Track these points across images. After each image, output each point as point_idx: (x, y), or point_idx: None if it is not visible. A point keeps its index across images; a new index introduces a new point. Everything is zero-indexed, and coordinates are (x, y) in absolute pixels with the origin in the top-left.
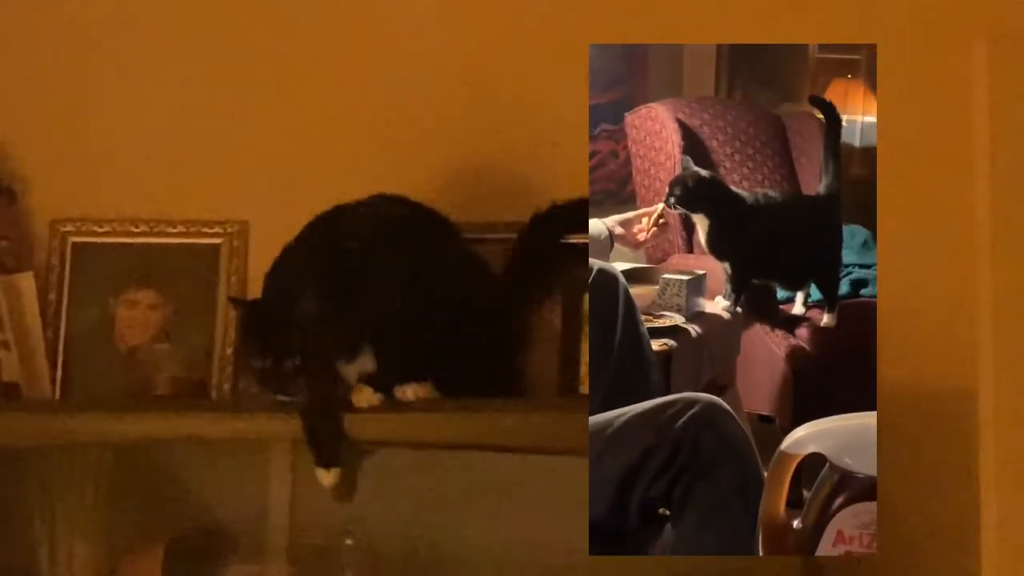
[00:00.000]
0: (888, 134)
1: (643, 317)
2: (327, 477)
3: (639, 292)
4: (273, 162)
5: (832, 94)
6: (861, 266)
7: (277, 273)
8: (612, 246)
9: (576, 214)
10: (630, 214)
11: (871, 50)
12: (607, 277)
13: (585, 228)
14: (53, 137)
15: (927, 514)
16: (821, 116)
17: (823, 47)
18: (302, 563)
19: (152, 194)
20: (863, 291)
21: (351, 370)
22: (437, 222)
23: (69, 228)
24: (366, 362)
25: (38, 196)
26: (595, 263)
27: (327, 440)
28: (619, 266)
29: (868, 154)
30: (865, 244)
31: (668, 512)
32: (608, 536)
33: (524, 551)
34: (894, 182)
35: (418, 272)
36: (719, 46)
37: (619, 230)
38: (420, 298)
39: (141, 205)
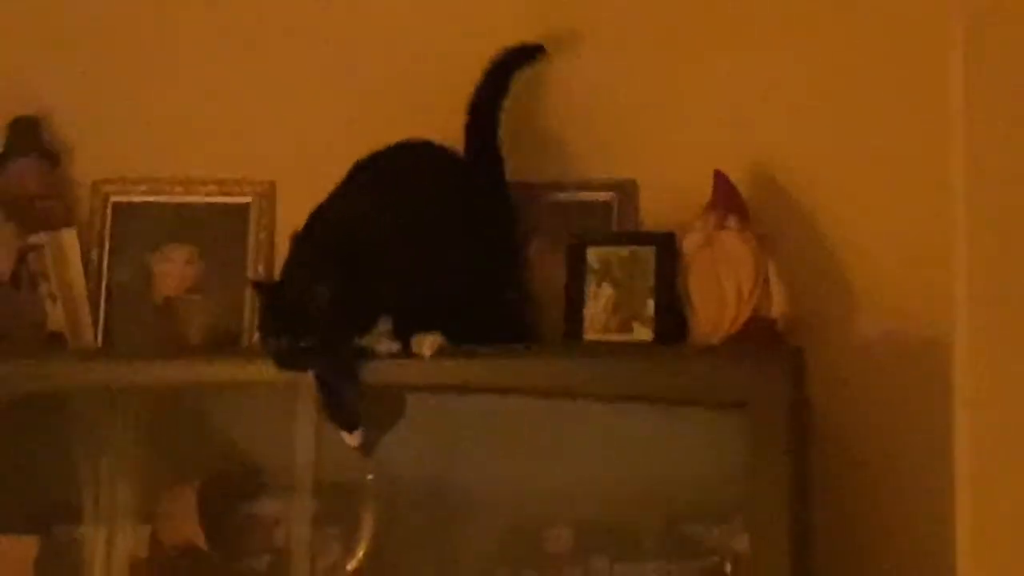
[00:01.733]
0: (863, 88)
1: None
2: (352, 439)
3: None
4: (298, 126)
5: None
6: None
7: (293, 261)
8: None
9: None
10: None
11: None
12: None
13: (530, 60)
14: (94, 104)
15: (902, 464)
16: None
17: None
18: (326, 499)
19: (186, 156)
20: None
21: (368, 338)
22: (441, 170)
23: (110, 188)
24: (383, 327)
25: (80, 159)
26: None
27: (346, 406)
28: None
29: None
30: None
31: None
32: None
33: (537, 491)
34: (868, 136)
35: (429, 236)
36: None
37: None
38: (434, 260)
39: (176, 166)
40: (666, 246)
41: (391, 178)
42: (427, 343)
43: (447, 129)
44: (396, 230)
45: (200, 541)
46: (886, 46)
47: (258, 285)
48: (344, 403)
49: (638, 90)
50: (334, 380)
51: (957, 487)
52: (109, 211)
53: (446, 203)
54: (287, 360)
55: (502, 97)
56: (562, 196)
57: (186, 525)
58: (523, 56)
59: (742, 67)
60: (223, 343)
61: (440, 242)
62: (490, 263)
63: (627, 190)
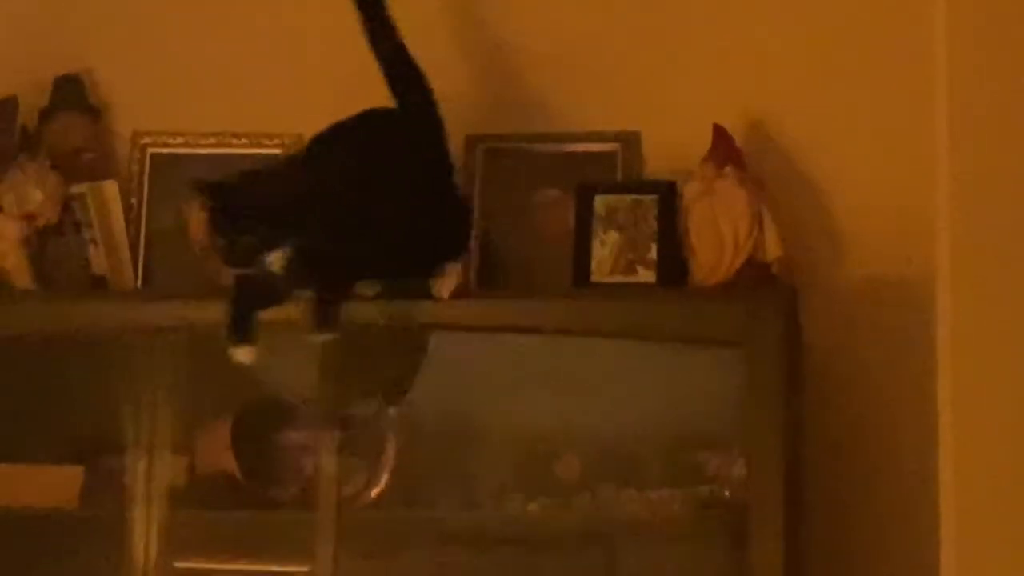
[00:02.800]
0: (852, 46)
1: None
2: (242, 354)
3: None
4: (325, 81)
5: None
6: None
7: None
8: None
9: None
10: None
11: None
12: None
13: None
14: (132, 60)
15: (888, 394)
16: None
17: None
18: (351, 429)
19: (220, 110)
20: None
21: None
22: (390, 130)
23: (147, 140)
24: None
25: (120, 113)
26: None
27: (249, 321)
28: None
29: None
30: None
31: None
32: None
33: (547, 422)
34: (856, 91)
35: (384, 191)
36: None
37: None
38: (389, 211)
39: (210, 120)
40: (668, 194)
41: (346, 143)
42: (446, 285)
43: (468, 82)
44: (354, 187)
45: (234, 470)
46: (874, 6)
47: (204, 187)
48: (249, 317)
49: (643, 49)
50: (255, 290)
51: (939, 414)
52: (147, 162)
53: (397, 160)
54: (233, 255)
55: (393, 32)
56: (570, 147)
57: (221, 455)
58: None
59: (739, 27)
60: None
61: (395, 195)
62: (439, 207)
63: (631, 142)
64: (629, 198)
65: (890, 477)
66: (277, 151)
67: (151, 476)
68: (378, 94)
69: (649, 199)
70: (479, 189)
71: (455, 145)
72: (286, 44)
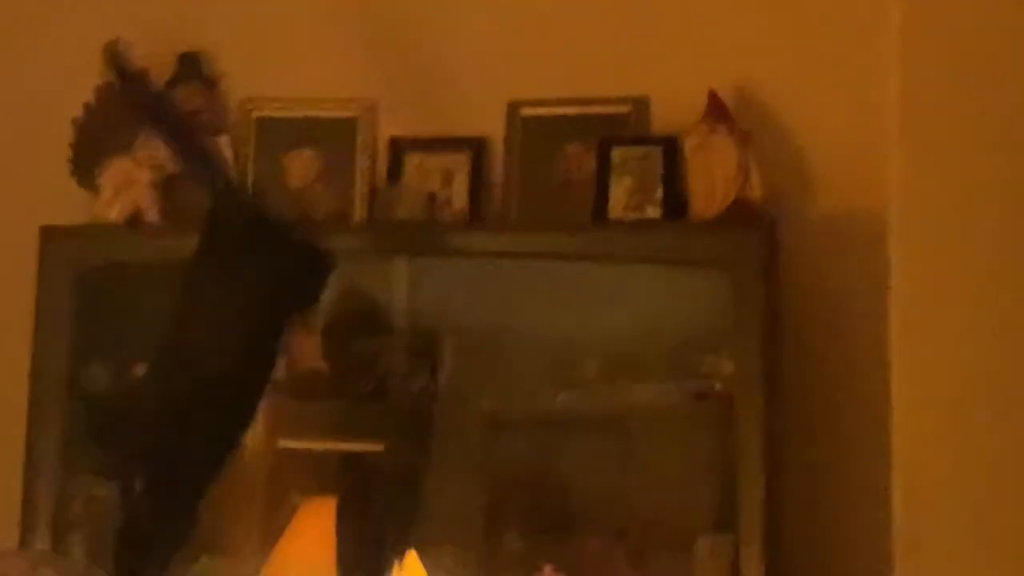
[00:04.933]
0: (818, 22)
1: None
2: None
3: None
4: (395, 54)
5: None
6: None
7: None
8: None
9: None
10: None
11: None
12: None
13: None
14: (242, 37)
15: (849, 309)
16: None
17: None
18: (416, 339)
19: (309, 79)
20: None
21: None
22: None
23: (252, 105)
24: None
25: (231, 82)
26: None
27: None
28: None
29: None
30: None
31: None
32: None
33: (573, 332)
34: (825, 59)
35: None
36: None
37: None
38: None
39: (302, 87)
40: (671, 147)
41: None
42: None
43: (512, 55)
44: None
45: (324, 368)
46: None
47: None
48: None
49: (651, 30)
50: (138, 545)
51: (891, 322)
52: (253, 122)
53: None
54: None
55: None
56: (592, 109)
57: (314, 357)
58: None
59: (730, 10)
60: (337, 220)
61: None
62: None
63: (641, 104)
64: (640, 150)
65: (850, 371)
66: (354, 115)
67: None
68: (439, 63)
69: (656, 151)
70: (520, 143)
71: (498, 111)
72: (360, 19)
